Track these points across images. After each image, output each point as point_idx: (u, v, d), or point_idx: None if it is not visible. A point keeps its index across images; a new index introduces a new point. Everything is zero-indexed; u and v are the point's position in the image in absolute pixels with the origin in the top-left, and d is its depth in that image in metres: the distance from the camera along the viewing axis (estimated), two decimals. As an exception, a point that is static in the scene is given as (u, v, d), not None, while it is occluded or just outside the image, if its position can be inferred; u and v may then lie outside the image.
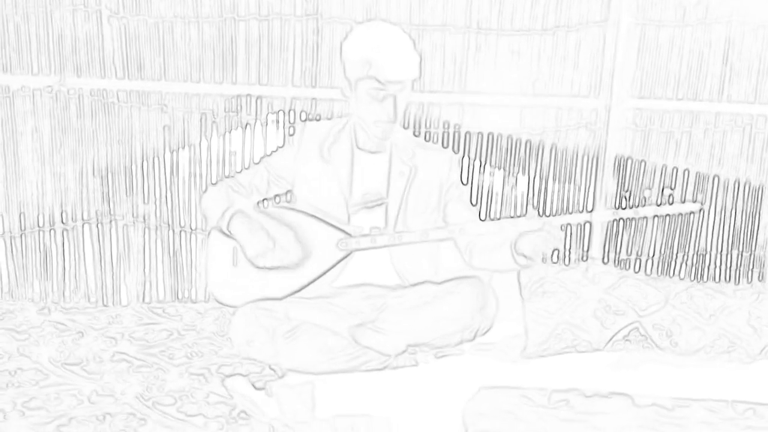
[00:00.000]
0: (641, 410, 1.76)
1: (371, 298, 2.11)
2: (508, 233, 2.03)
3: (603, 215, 2.21)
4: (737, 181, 2.45)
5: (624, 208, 2.30)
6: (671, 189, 2.36)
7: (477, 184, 2.43)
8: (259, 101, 2.38)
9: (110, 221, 2.44)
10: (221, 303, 2.14)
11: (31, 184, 2.41)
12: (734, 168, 2.44)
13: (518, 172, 2.44)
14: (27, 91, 2.35)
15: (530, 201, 2.45)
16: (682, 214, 2.33)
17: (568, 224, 2.32)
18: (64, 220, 2.43)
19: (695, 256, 2.47)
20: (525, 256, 2.01)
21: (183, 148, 2.40)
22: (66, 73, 2.35)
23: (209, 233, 2.18)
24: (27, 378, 1.96)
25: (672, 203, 2.28)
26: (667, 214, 2.26)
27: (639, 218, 2.36)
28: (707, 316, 2.08)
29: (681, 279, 2.42)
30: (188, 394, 1.88)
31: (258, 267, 2.06)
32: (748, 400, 1.79)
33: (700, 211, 2.36)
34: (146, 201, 2.43)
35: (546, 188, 2.45)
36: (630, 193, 2.39)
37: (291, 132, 2.34)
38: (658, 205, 2.12)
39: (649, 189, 2.37)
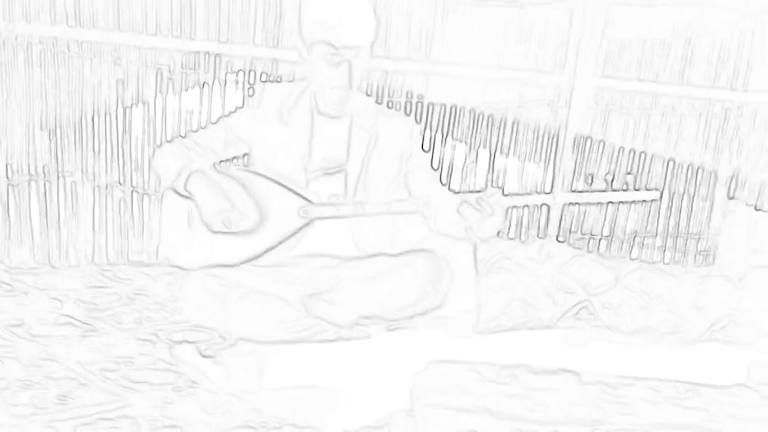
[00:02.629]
0: (587, 387, 1.81)
1: (325, 268, 2.09)
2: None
3: (561, 198, 2.22)
4: (691, 165, 2.49)
5: (582, 192, 2.32)
6: (631, 174, 2.38)
7: (438, 157, 2.42)
8: (218, 59, 2.31)
9: (58, 178, 2.36)
10: (175, 265, 2.09)
11: (-26, 136, 2.31)
12: (689, 152, 2.48)
13: (479, 147, 2.43)
14: (-29, 37, 2.23)
15: (490, 176, 2.45)
16: (639, 201, 2.36)
17: (526, 205, 2.33)
18: (9, 175, 2.34)
19: (647, 237, 2.52)
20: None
21: (136, 104, 2.33)
22: (15, 18, 2.23)
23: (163, 193, 2.12)
24: (-34, 339, 1.91)
25: (632, 189, 2.31)
26: (625, 201, 2.29)
27: (596, 203, 2.39)
28: (655, 297, 2.12)
29: (632, 259, 2.47)
30: (134, 361, 1.85)
31: (213, 231, 2.02)
32: (691, 381, 1.85)
33: (653, 201, 2.39)
34: (96, 158, 2.35)
35: (506, 164, 2.45)
36: (591, 178, 2.41)
37: (250, 93, 2.28)
38: (616, 191, 2.13)
39: (609, 174, 2.39)
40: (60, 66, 2.29)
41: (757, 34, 2.38)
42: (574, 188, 2.46)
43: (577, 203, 2.38)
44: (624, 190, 2.15)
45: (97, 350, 1.90)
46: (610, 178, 2.36)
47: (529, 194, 2.37)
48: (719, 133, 2.47)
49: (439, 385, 1.79)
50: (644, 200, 2.16)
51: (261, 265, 2.07)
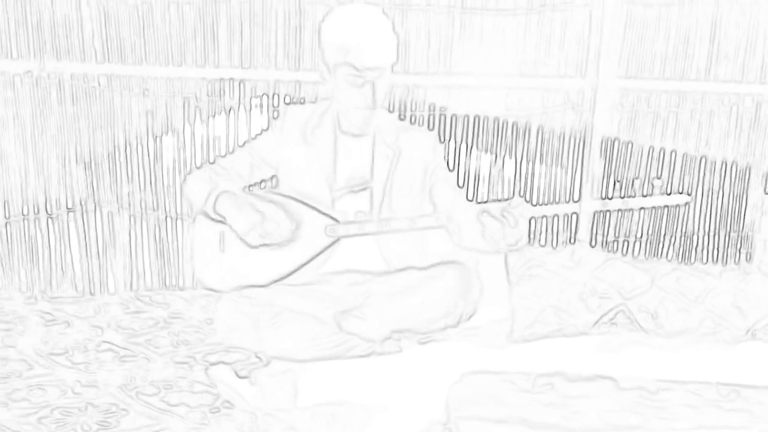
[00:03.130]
0: (625, 393, 1.77)
1: (356, 284, 2.10)
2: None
3: (590, 206, 2.19)
4: (724, 162, 2.44)
5: (611, 198, 2.28)
6: (660, 179, 2.34)
7: (464, 168, 2.42)
8: (242, 85, 2.35)
9: (95, 209, 2.43)
10: (208, 288, 2.13)
11: (14, 172, 2.38)
12: (721, 148, 2.43)
13: (505, 155, 2.42)
14: (6, 77, 2.32)
15: (517, 184, 2.44)
16: (669, 206, 2.31)
17: (556, 214, 2.31)
18: (48, 209, 2.41)
19: (682, 237, 2.47)
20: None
21: (166, 133, 2.38)
22: (45, 57, 2.32)
23: (194, 218, 2.16)
24: (11, 369, 1.96)
25: (661, 194, 2.27)
26: (655, 206, 2.24)
27: (626, 210, 2.34)
28: (693, 298, 2.07)
29: (668, 261, 2.41)
30: (172, 384, 1.88)
31: (251, 246, 2.03)
32: (733, 382, 1.79)
33: (686, 204, 2.34)
34: (131, 188, 2.41)
35: (533, 171, 2.43)
36: (620, 183, 2.37)
37: (275, 116, 2.31)
38: (645, 196, 2.09)
39: (638, 179, 2.35)
40: (91, 100, 2.36)
41: (783, 24, 2.33)
42: (603, 192, 2.43)
43: (606, 210, 2.34)
44: (653, 195, 2.11)
45: (136, 375, 1.93)
46: (638, 183, 2.32)
47: (557, 203, 2.34)
48: (751, 128, 2.41)
49: (474, 396, 1.77)
50: (676, 204, 2.11)
51: (292, 284, 2.09)
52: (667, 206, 2.30)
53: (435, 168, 2.18)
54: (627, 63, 2.37)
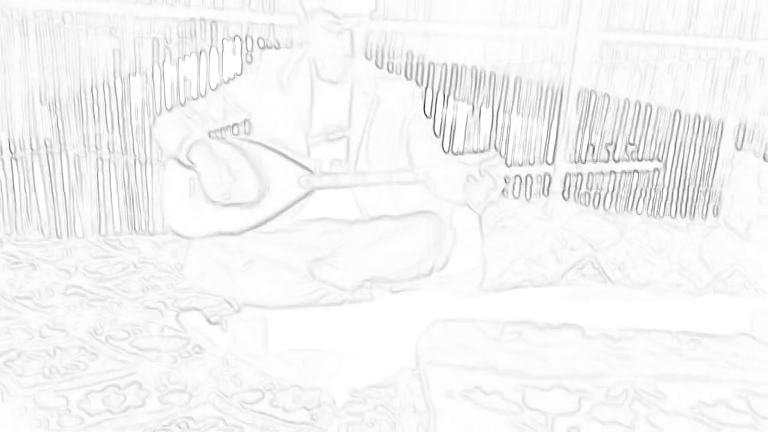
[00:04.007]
0: (590, 341, 1.81)
1: (329, 232, 2.09)
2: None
3: (563, 168, 2.22)
4: (698, 117, 2.45)
5: (584, 162, 2.31)
6: (633, 145, 2.37)
7: (440, 117, 2.40)
8: (214, 26, 2.28)
9: (60, 151, 2.37)
10: (178, 234, 2.10)
11: (-25, 112, 2.31)
12: (696, 103, 2.44)
13: (482, 105, 2.41)
14: (-34, 12, 2.22)
15: (493, 135, 2.43)
16: (644, 171, 2.35)
17: (529, 175, 2.33)
18: (12, 149, 2.34)
19: (653, 191, 2.50)
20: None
21: (134, 74, 2.31)
22: (7, -8, 2.22)
23: (164, 163, 2.12)
24: (-24, 311, 1.94)
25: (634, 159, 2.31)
26: (627, 171, 2.28)
27: (598, 173, 2.38)
28: (659, 250, 2.11)
29: (638, 214, 2.45)
30: (142, 328, 1.87)
31: (213, 201, 2.02)
32: (694, 332, 1.84)
33: (655, 170, 2.38)
34: (98, 130, 2.35)
35: (509, 122, 2.42)
36: (593, 146, 2.39)
37: (248, 60, 2.26)
38: (618, 161, 2.12)
39: (611, 144, 2.38)
40: (56, 39, 2.28)
41: (764, -21, 2.31)
42: (578, 145, 2.44)
43: (579, 173, 2.36)
44: (625, 160, 2.14)
45: (105, 319, 1.92)
46: (612, 147, 2.35)
47: (531, 165, 2.35)
48: (726, 83, 2.42)
49: (444, 344, 1.80)
50: (647, 170, 2.15)
51: (264, 232, 2.07)
52: (638, 171, 2.33)
53: (413, 118, 2.16)
54: (608, 15, 2.35)
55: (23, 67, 2.29)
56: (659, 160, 2.24)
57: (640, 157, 2.39)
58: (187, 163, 2.06)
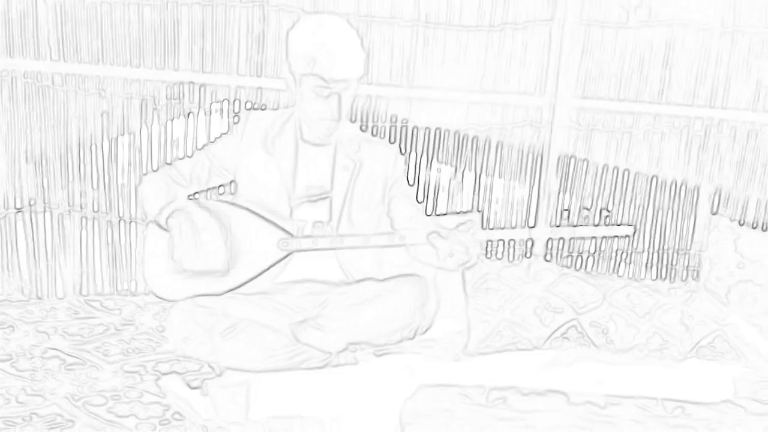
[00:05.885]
0: (575, 408, 1.80)
1: (313, 294, 2.09)
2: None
3: (542, 232, 2.28)
4: (674, 182, 2.52)
5: (560, 227, 2.37)
6: (608, 211, 2.44)
7: (423, 180, 2.44)
8: (202, 89, 2.33)
9: (44, 210, 2.36)
10: (160, 297, 2.09)
11: (-40, 170, 2.31)
12: (672, 168, 2.51)
13: (465, 168, 2.45)
14: (-44, 72, 2.24)
15: (475, 197, 2.47)
16: (616, 236, 2.42)
17: (511, 239, 2.37)
18: (-5, 209, 2.34)
19: (633, 254, 2.54)
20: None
21: (122, 135, 2.33)
22: (-2, 53, 2.25)
23: (147, 224, 2.12)
24: (-49, 375, 1.88)
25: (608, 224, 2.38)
26: (603, 236, 2.34)
27: (576, 238, 2.44)
28: (642, 314, 2.13)
29: (619, 277, 2.48)
30: (121, 394, 1.83)
31: (182, 269, 2.01)
32: (678, 398, 1.84)
33: (626, 237, 2.45)
34: (83, 188, 2.35)
35: (491, 185, 2.47)
36: (568, 212, 2.46)
37: (235, 120, 2.29)
38: (595, 226, 2.18)
39: (587, 209, 2.44)
40: (45, 99, 2.30)
41: (733, 51, 2.42)
42: (559, 207, 2.48)
43: (557, 237, 2.42)
44: (601, 226, 2.20)
45: (84, 384, 1.87)
46: (585, 213, 2.41)
47: (510, 229, 2.40)
48: (700, 150, 2.49)
49: (428, 409, 1.78)
50: (620, 235, 2.22)
51: (247, 293, 2.06)
52: (614, 236, 2.40)
53: (395, 182, 2.19)
54: (584, 83, 2.43)
55: (10, 126, 2.30)
56: (631, 225, 2.31)
57: (614, 223, 2.45)
58: (166, 227, 2.06)
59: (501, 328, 2.10)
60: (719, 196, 2.52)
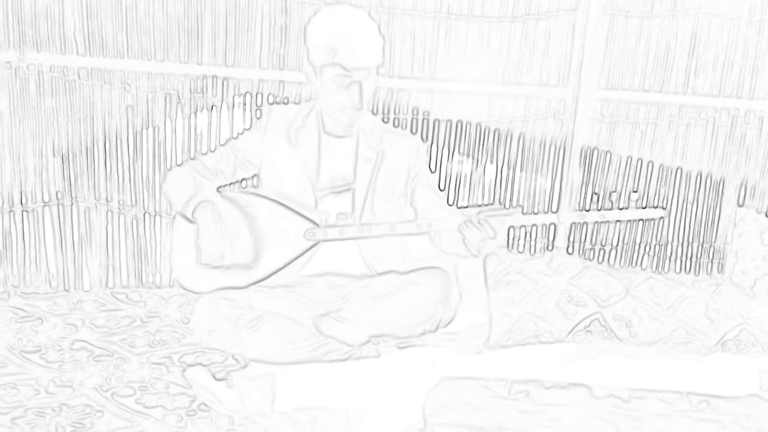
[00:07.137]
0: (598, 402, 1.80)
1: (336, 287, 2.10)
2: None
3: (567, 217, 2.23)
4: (699, 174, 2.49)
5: (588, 210, 2.32)
6: (636, 192, 2.39)
7: (445, 172, 2.43)
8: (225, 83, 2.34)
9: (71, 203, 2.39)
10: (186, 289, 2.12)
11: (-11, 164, 2.35)
12: (697, 160, 2.48)
13: (486, 161, 2.44)
14: (-16, 67, 2.28)
15: (497, 190, 2.46)
16: (647, 219, 2.35)
17: (534, 225, 2.34)
18: (23, 202, 2.37)
19: (657, 246, 2.51)
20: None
21: (147, 128, 2.36)
22: (25, 48, 2.28)
23: (174, 217, 2.15)
24: (-16, 366, 1.93)
25: (638, 207, 2.30)
26: (631, 219, 2.28)
27: (602, 222, 2.38)
28: (666, 308, 2.11)
29: (643, 269, 2.45)
30: (148, 385, 1.86)
31: (208, 261, 2.03)
32: (703, 392, 1.83)
33: (660, 218, 2.39)
34: (109, 183, 2.38)
35: (513, 177, 2.45)
36: (597, 195, 2.41)
37: (258, 115, 2.30)
38: (622, 209, 2.13)
39: (615, 192, 2.40)
40: (71, 93, 2.33)
41: (760, 41, 2.38)
42: (581, 200, 2.46)
43: (583, 222, 2.38)
44: (629, 208, 2.15)
45: (112, 375, 1.91)
46: (616, 196, 2.36)
47: (535, 214, 2.37)
48: (726, 142, 2.46)
49: (451, 402, 1.79)
50: (651, 218, 2.15)
51: (271, 286, 2.08)
52: (641, 219, 2.34)
53: (418, 172, 2.20)
54: (608, 74, 2.41)
55: (37, 121, 2.34)
56: (663, 208, 2.24)
57: (644, 205, 2.39)
58: (192, 220, 2.08)
59: (523, 321, 2.10)
60: (745, 188, 2.48)
